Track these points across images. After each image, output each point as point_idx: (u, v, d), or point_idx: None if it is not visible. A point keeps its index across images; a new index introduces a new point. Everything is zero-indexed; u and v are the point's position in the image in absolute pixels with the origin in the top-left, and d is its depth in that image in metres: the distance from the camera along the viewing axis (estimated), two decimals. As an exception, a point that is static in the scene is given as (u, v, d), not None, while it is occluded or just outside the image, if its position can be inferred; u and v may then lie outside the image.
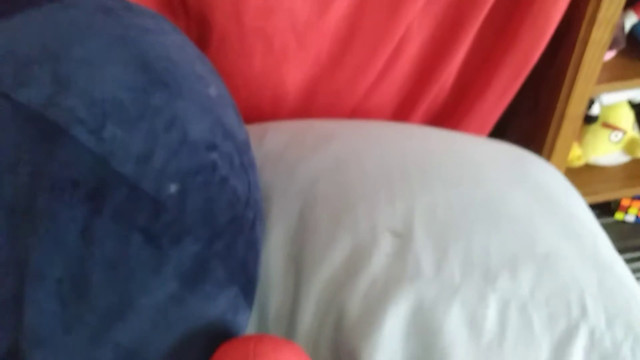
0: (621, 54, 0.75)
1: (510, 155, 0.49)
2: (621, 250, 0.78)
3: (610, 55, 0.75)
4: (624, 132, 0.86)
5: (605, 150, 0.89)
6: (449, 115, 0.66)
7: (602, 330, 0.36)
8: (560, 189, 0.47)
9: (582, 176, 0.91)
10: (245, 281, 0.37)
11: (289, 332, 0.39)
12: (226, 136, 0.39)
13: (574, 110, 0.73)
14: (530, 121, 0.78)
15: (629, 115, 0.87)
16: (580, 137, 0.89)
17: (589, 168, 0.92)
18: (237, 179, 0.38)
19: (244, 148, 0.41)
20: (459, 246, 0.38)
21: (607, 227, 0.78)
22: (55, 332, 0.33)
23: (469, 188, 0.43)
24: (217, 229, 0.35)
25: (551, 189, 0.46)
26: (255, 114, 0.61)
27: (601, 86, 0.74)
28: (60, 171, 0.35)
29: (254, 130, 0.53)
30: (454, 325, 0.35)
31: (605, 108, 0.88)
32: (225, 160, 0.37)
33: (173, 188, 0.34)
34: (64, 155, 0.35)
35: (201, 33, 0.55)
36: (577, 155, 0.88)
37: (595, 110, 0.87)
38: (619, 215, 1.03)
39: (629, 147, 0.88)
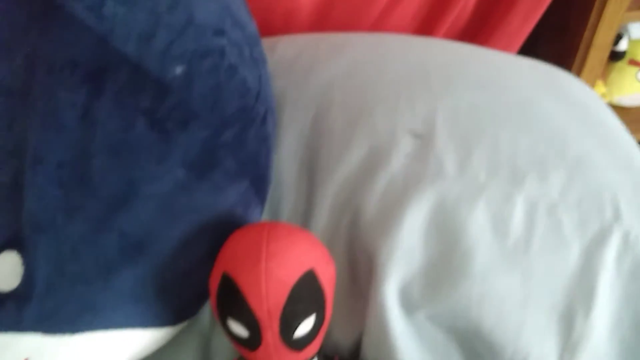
0: (656, -22, 0.71)
1: (538, 67, 0.46)
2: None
3: (643, -21, 0.70)
4: (652, 70, 0.82)
5: (630, 89, 0.85)
6: (472, 37, 0.62)
7: (636, 234, 0.34)
8: (592, 100, 0.44)
9: (605, 117, 0.87)
10: (257, 176, 0.35)
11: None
12: (235, 25, 0.36)
13: (602, 39, 0.69)
14: (556, 49, 0.74)
15: (657, 52, 0.83)
16: (605, 75, 0.85)
17: (612, 108, 0.89)
18: (247, 70, 0.35)
19: (254, 41, 0.38)
20: (483, 147, 0.36)
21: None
22: (57, 218, 0.31)
23: (495, 92, 0.40)
24: (225, 118, 0.33)
25: (583, 99, 0.43)
26: (266, 30, 0.57)
27: (632, 13, 0.69)
28: (58, 51, 0.32)
29: (264, 43, 0.50)
30: (477, 225, 0.33)
31: (632, 44, 0.83)
32: (234, 48, 0.35)
33: (178, 70, 0.32)
34: (62, 34, 0.32)
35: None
36: (602, 93, 0.84)
37: (622, 45, 0.82)
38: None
39: (657, 86, 0.84)
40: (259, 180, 0.35)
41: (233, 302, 0.30)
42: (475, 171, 0.35)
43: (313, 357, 0.33)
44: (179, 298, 0.35)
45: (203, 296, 0.37)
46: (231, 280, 0.29)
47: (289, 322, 0.29)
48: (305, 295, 0.30)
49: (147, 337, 0.35)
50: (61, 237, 0.31)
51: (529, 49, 0.70)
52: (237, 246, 0.31)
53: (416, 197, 0.34)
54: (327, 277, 0.31)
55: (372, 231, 0.35)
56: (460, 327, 0.32)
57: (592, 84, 0.74)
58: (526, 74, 0.43)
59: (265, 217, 0.39)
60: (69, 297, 0.32)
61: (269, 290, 0.28)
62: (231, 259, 0.30)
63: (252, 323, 0.29)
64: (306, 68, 0.44)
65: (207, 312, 0.40)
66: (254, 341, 0.30)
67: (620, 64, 0.83)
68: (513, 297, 0.32)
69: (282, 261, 0.29)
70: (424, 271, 0.34)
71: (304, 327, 0.30)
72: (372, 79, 0.42)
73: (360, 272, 0.36)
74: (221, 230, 0.32)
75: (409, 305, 0.33)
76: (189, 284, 0.35)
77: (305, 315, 0.30)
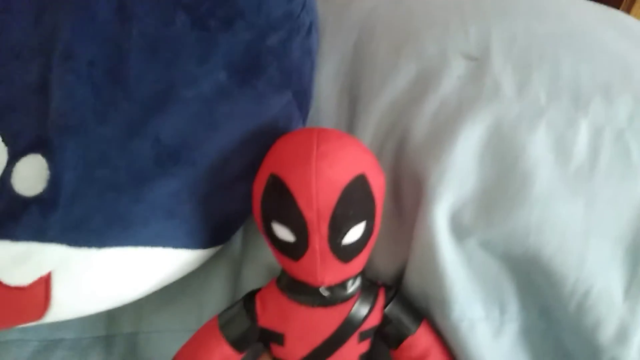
0: None
1: (594, 3, 0.43)
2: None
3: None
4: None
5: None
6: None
7: None
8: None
9: None
10: (299, 90, 0.32)
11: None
12: None
13: None
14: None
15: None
16: None
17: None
18: (293, -23, 0.33)
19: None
20: (543, 71, 0.33)
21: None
22: (87, 120, 0.29)
23: (553, 20, 0.37)
24: (271, 21, 0.30)
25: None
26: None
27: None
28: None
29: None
30: (538, 148, 0.31)
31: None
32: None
33: (223, -37, 0.29)
34: None
35: None
36: None
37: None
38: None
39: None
40: (301, 94, 0.32)
41: (280, 203, 0.28)
42: (535, 93, 0.32)
43: (357, 277, 0.31)
44: (214, 217, 0.33)
45: (240, 216, 0.35)
46: (279, 180, 0.28)
47: (338, 226, 0.28)
48: (356, 199, 0.28)
49: (178, 259, 0.33)
50: (91, 140, 0.29)
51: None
52: (285, 147, 0.29)
53: (471, 117, 0.32)
54: (378, 185, 0.29)
55: (422, 154, 0.32)
56: (516, 254, 0.30)
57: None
58: (583, 7, 0.40)
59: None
60: (98, 207, 0.29)
61: (319, 189, 0.27)
62: (279, 159, 0.29)
63: (299, 225, 0.28)
64: (347, -4, 0.41)
65: (239, 240, 0.38)
66: (300, 247, 0.28)
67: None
68: (575, 224, 0.29)
69: (333, 162, 0.27)
70: (478, 195, 0.31)
71: (354, 233, 0.28)
72: (419, 4, 0.39)
73: (405, 200, 0.34)
74: (263, 142, 0.30)
75: (459, 231, 0.31)
76: (226, 201, 0.32)
77: (356, 220, 0.28)
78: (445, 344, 0.32)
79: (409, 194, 0.33)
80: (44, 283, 0.30)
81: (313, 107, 0.37)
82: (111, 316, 0.40)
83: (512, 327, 0.31)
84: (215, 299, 0.38)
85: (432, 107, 0.33)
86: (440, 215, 0.31)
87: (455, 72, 0.34)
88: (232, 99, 0.30)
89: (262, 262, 0.37)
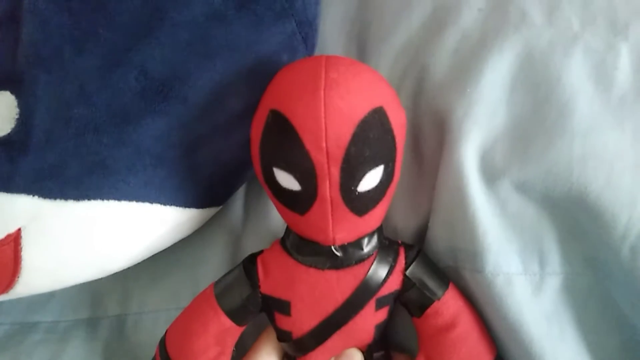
0: None
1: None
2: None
3: None
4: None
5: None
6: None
7: None
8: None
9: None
10: (304, 20, 0.28)
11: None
12: None
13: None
14: None
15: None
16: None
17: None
18: None
19: None
20: None
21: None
22: (63, 51, 0.25)
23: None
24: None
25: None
26: None
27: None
28: None
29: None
30: (575, 76, 0.27)
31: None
32: None
33: None
34: None
35: None
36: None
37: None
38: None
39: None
40: (306, 25, 0.29)
41: (282, 144, 0.23)
42: (567, 19, 0.29)
43: (374, 234, 0.26)
44: (209, 168, 0.29)
45: (240, 169, 0.31)
46: (280, 115, 0.23)
47: (352, 169, 0.23)
48: (374, 137, 0.23)
49: (167, 219, 0.29)
50: (67, 74, 0.25)
51: None
52: (287, 78, 0.24)
53: (497, 47, 0.28)
54: (399, 122, 0.24)
55: (444, 90, 0.29)
56: (558, 194, 0.26)
57: None
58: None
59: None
60: (75, 151, 0.25)
61: (329, 125, 0.22)
62: (280, 91, 0.24)
63: (305, 169, 0.23)
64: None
65: (239, 207, 0.34)
66: (307, 197, 0.24)
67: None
68: (624, 155, 0.26)
69: (346, 91, 0.22)
70: (511, 130, 0.27)
71: (370, 179, 0.23)
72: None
73: (425, 146, 0.30)
74: (265, 78, 0.26)
75: (491, 172, 0.27)
76: (223, 148, 0.28)
77: (373, 163, 0.23)
78: (475, 304, 0.28)
79: (430, 138, 0.30)
80: (12, 242, 0.26)
81: (317, 54, 0.34)
82: (95, 296, 0.35)
83: (553, 281, 0.27)
84: (212, 274, 0.33)
85: (452, 41, 0.30)
86: (469, 154, 0.27)
87: (475, 5, 0.30)
88: (228, 25, 0.26)
89: (266, 231, 0.33)
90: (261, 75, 0.27)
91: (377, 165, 0.23)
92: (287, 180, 0.24)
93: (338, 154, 0.22)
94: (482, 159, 0.27)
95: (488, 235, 0.27)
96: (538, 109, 0.27)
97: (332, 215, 0.24)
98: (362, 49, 0.33)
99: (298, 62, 0.25)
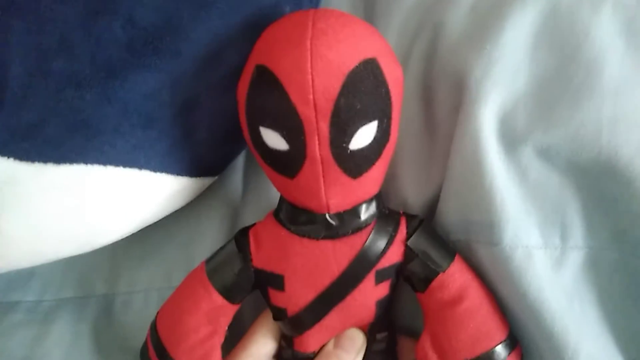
0: None
1: None
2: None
3: None
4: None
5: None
6: None
7: None
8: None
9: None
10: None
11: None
12: None
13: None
14: None
15: None
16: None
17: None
18: None
19: None
20: None
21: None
22: (41, -3, 0.23)
23: None
24: None
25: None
26: None
27: None
28: None
29: None
30: (605, 32, 0.25)
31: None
32: None
33: None
34: None
35: None
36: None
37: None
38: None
39: None
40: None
41: (267, 100, 0.21)
42: (594, -26, 0.27)
43: (372, 201, 0.24)
44: (204, 131, 0.26)
45: (237, 135, 0.27)
46: (266, 69, 0.21)
47: (342, 123, 0.21)
48: (366, 89, 0.21)
49: (158, 188, 0.26)
50: (45, 22, 0.23)
51: None
52: (273, 32, 0.23)
53: (519, 2, 0.26)
54: (394, 76, 0.22)
55: (460, 50, 0.26)
56: (585, 160, 0.24)
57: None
58: None
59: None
60: (55, 108, 0.23)
61: (317, 76, 0.20)
62: (266, 46, 0.22)
63: (293, 126, 0.21)
64: None
65: (238, 180, 0.32)
66: (296, 157, 0.22)
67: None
68: (658, 119, 0.24)
69: (334, 41, 0.21)
70: (533, 91, 0.25)
71: (363, 135, 0.22)
72: None
73: (438, 111, 0.28)
74: (263, 28, 0.24)
75: (512, 137, 0.25)
76: (219, 109, 0.26)
77: (365, 117, 0.21)
78: (489, 280, 0.26)
79: (443, 102, 0.27)
80: (-15, 208, 0.23)
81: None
82: (80, 274, 0.33)
83: (575, 256, 0.25)
84: (207, 251, 0.30)
85: (468, -2, 0.28)
86: (488, 118, 0.25)
87: (493, -41, 0.28)
88: (225, -30, 0.24)
89: (267, 205, 0.31)
90: (261, 29, 0.24)
91: (370, 120, 0.22)
92: (274, 140, 0.22)
93: (327, 107, 0.21)
94: (502, 122, 0.25)
95: (506, 205, 0.24)
96: (564, 68, 0.25)
97: (323, 177, 0.22)
98: (370, 7, 0.31)
99: (286, 16, 0.23)
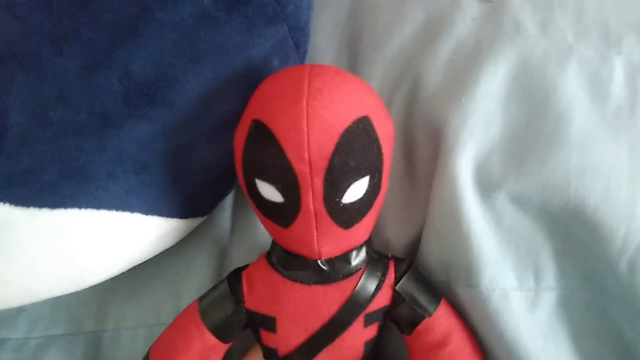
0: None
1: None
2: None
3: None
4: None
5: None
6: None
7: None
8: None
9: None
10: (296, 25, 0.28)
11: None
12: None
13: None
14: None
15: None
16: None
17: None
18: None
19: None
20: (566, 10, 0.30)
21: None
22: (41, 49, 0.23)
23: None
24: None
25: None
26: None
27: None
28: None
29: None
30: (571, 87, 0.27)
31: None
32: None
33: None
34: None
35: None
36: None
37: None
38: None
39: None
40: (299, 31, 0.28)
41: (264, 154, 0.22)
42: (561, 31, 0.29)
43: (362, 247, 0.25)
44: (194, 175, 0.27)
45: (226, 178, 0.29)
46: (262, 125, 0.22)
47: (336, 180, 0.22)
48: (359, 147, 0.22)
49: (149, 230, 0.27)
50: (46, 74, 0.24)
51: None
52: (270, 87, 0.23)
53: (492, 56, 0.28)
54: (386, 132, 0.24)
55: (438, 100, 0.28)
56: (554, 207, 0.26)
57: None
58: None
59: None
60: (52, 155, 0.24)
61: (312, 134, 0.21)
62: (263, 101, 0.23)
63: (288, 181, 0.22)
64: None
65: (227, 218, 0.33)
66: (290, 209, 0.23)
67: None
68: (621, 169, 0.25)
69: (329, 100, 0.22)
70: (506, 141, 0.27)
71: (355, 190, 0.23)
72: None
73: (418, 157, 0.29)
74: (254, 82, 0.25)
75: (487, 184, 0.26)
76: (209, 155, 0.27)
77: (358, 174, 0.22)
78: (469, 320, 0.27)
79: (423, 149, 0.29)
80: (-20, 252, 0.24)
81: (308, 61, 0.33)
82: (69, 311, 0.33)
83: (549, 297, 0.26)
84: (196, 288, 0.32)
85: (446, 49, 0.30)
86: (464, 165, 0.26)
87: (469, 14, 0.30)
88: (218, 27, 0.25)
89: (254, 244, 0.32)
90: (251, 81, 0.26)
91: (362, 176, 0.23)
92: (269, 192, 0.23)
93: (321, 164, 0.22)
94: (477, 170, 0.27)
95: (483, 249, 0.26)
96: (534, 120, 0.27)
97: (316, 228, 0.23)
98: (353, 57, 0.33)
99: (282, 71, 0.24)
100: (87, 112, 0.24)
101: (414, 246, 0.29)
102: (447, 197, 0.27)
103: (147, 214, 0.27)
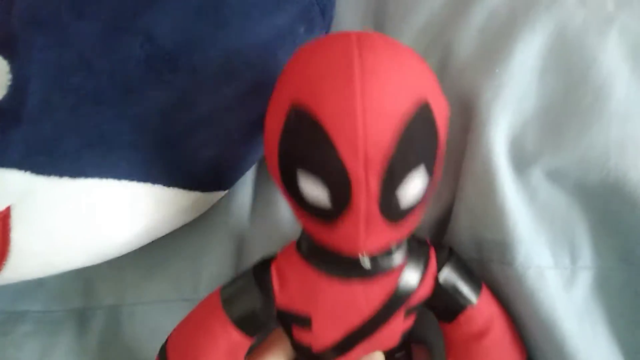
0: None
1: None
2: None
3: None
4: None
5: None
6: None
7: None
8: None
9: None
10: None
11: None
12: None
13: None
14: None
15: None
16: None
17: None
18: None
19: None
20: None
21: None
22: (62, 13, 0.23)
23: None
24: None
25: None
26: None
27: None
28: None
29: None
30: (611, 58, 0.25)
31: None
32: None
33: None
34: None
35: None
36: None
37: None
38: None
39: None
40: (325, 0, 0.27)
41: (309, 148, 0.19)
42: (600, 0, 0.28)
43: (404, 239, 0.23)
44: (217, 147, 0.27)
45: (249, 151, 0.28)
46: (305, 113, 0.18)
47: (395, 177, 0.19)
48: (421, 138, 0.19)
49: (170, 202, 0.26)
50: (66, 39, 0.23)
51: None
52: (311, 61, 0.19)
53: (528, 26, 0.27)
54: (443, 116, 0.20)
55: (470, 72, 0.27)
56: (592, 181, 0.24)
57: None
58: None
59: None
60: (73, 123, 0.23)
61: (368, 124, 0.18)
62: (303, 80, 0.19)
63: (338, 179, 0.19)
64: None
65: (248, 192, 0.32)
66: (336, 208, 0.20)
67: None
68: (664, 142, 0.24)
69: (386, 82, 0.18)
70: (542, 114, 0.26)
71: (412, 187, 0.19)
72: None
73: (449, 130, 0.28)
74: (279, 50, 0.24)
75: (522, 158, 0.25)
76: (232, 125, 0.26)
77: (417, 170, 0.19)
78: (503, 298, 0.26)
79: (452, 122, 0.27)
80: (2, 221, 0.23)
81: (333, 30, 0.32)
82: (88, 284, 0.33)
83: (584, 277, 0.25)
84: (216, 263, 0.31)
85: (478, 19, 0.28)
86: (498, 139, 0.25)
87: (503, -18, 0.29)
88: (242, -8, 0.24)
89: (276, 220, 0.31)
90: (276, 48, 0.25)
91: (420, 172, 0.20)
92: (313, 189, 0.19)
93: (378, 161, 0.18)
94: (511, 144, 0.26)
95: (518, 226, 0.25)
96: (572, 92, 0.25)
97: (365, 226, 0.20)
98: (379, 28, 0.32)
99: (322, 40, 0.20)
100: (108, 78, 0.24)
101: (442, 223, 0.28)
102: (480, 172, 0.25)
103: (168, 185, 0.26)
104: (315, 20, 0.27)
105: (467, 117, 0.27)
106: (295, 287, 0.23)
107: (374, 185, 0.19)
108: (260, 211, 0.32)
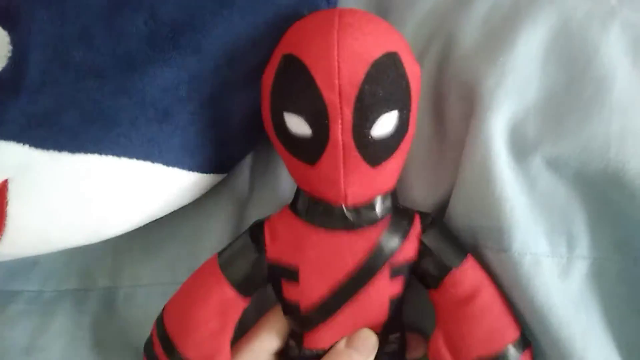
0: None
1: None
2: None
3: None
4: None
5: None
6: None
7: None
8: None
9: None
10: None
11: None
12: None
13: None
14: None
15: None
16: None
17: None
18: None
19: None
20: None
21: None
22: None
23: None
24: None
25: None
26: None
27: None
28: None
29: None
30: (614, 50, 0.26)
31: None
32: None
33: None
34: None
35: None
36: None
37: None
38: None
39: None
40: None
41: (293, 86, 0.23)
42: (604, -8, 0.28)
43: (387, 196, 0.25)
44: (218, 128, 0.26)
45: (250, 133, 0.28)
46: (293, 58, 0.23)
47: (365, 109, 0.22)
48: (388, 78, 0.22)
49: (169, 182, 0.26)
50: (68, 12, 0.23)
51: None
52: (301, 26, 0.24)
53: (531, 16, 0.27)
54: (414, 71, 0.24)
55: (473, 60, 0.27)
56: (592, 171, 0.25)
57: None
58: None
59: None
60: (73, 97, 0.23)
61: (342, 62, 0.22)
62: (294, 37, 0.24)
63: (317, 110, 0.22)
64: None
65: (246, 177, 0.32)
66: (318, 144, 0.23)
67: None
68: (664, 134, 0.25)
69: (359, 34, 0.22)
70: (544, 104, 0.26)
71: (385, 123, 0.23)
72: None
73: (450, 117, 0.28)
74: (282, 31, 0.24)
75: (522, 147, 0.25)
76: (234, 106, 0.26)
77: (387, 106, 0.23)
78: (498, 282, 0.26)
79: (454, 108, 0.28)
80: (-2, 194, 0.23)
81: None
82: (83, 266, 0.33)
83: (581, 266, 0.26)
84: (213, 247, 0.31)
85: (482, 9, 0.28)
86: (499, 126, 0.25)
87: (507, -27, 0.29)
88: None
89: (273, 203, 0.31)
90: (279, 30, 0.25)
91: (391, 109, 0.23)
92: (297, 125, 0.23)
93: (351, 92, 0.22)
94: (512, 132, 0.26)
95: (515, 212, 0.25)
96: (574, 83, 0.26)
97: (344, 163, 0.23)
98: (383, 15, 0.31)
99: (313, 14, 0.24)
100: (110, 54, 0.23)
101: (442, 209, 0.28)
102: (479, 157, 0.26)
103: (168, 165, 0.26)
104: (319, 4, 0.26)
105: (469, 104, 0.27)
106: (285, 239, 0.26)
107: (348, 114, 0.22)
108: (257, 195, 0.32)
